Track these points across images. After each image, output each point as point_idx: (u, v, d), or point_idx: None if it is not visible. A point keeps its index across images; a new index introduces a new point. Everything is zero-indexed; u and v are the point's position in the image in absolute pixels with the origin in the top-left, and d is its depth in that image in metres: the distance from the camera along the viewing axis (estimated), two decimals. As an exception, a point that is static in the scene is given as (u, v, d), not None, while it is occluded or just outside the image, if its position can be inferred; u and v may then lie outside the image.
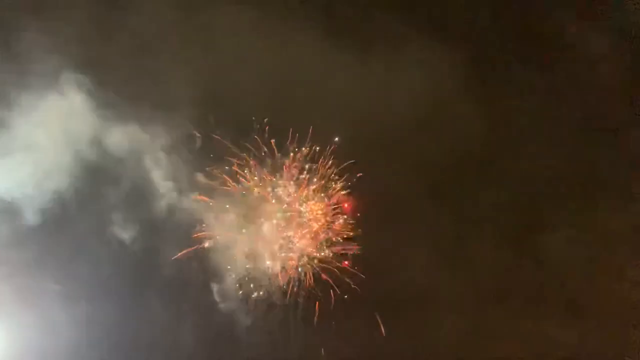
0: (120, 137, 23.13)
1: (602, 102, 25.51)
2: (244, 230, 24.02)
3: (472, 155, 25.48)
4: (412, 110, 24.60)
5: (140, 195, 23.46)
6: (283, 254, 24.10)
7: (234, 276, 23.84)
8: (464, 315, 24.34)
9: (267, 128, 24.15)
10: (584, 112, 26.37)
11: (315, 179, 24.75)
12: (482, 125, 24.86)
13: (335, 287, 23.88)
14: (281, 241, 24.19)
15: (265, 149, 24.31)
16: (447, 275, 24.37)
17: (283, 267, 23.95)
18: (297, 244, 24.24)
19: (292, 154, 24.53)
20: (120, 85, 23.22)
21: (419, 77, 24.59)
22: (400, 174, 24.90)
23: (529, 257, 25.20)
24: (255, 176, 24.34)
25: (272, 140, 24.30)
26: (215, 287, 23.73)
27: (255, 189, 24.37)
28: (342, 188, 24.93)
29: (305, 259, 24.11)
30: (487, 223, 25.08)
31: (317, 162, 24.73)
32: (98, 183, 23.28)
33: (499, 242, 25.04)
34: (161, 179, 23.57)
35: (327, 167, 24.81)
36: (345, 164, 24.67)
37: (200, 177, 23.93)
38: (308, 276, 23.98)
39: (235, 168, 24.17)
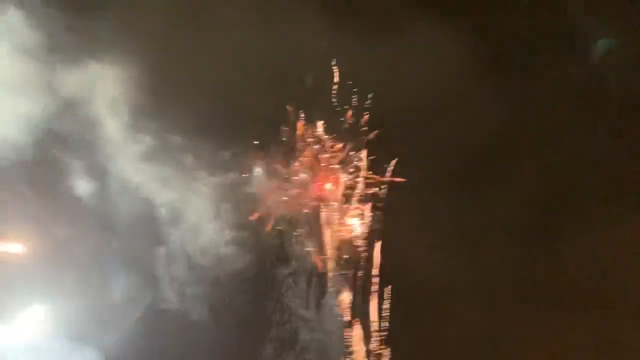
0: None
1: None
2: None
3: (493, 146, 24.64)
4: (423, 100, 24.01)
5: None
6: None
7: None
8: (484, 314, 23.61)
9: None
10: (615, 102, 25.28)
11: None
12: (502, 114, 24.20)
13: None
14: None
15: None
16: (468, 271, 23.68)
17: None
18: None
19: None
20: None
21: (429, 62, 23.91)
22: (414, 167, 24.38)
23: (557, 255, 24.23)
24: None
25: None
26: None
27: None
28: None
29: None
30: (511, 218, 24.15)
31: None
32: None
33: (524, 239, 24.14)
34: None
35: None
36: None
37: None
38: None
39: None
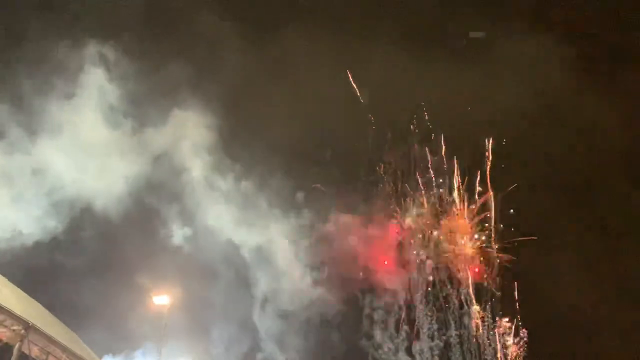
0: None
1: None
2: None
3: (611, 155, 21.55)
4: (529, 112, 21.87)
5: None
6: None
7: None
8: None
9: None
10: None
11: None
12: (613, 121, 21.09)
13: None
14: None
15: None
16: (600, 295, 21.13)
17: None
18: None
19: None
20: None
21: (527, 75, 21.87)
22: (535, 181, 22.29)
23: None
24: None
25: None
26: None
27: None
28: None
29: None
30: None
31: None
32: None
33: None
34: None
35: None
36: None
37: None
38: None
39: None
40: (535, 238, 22.87)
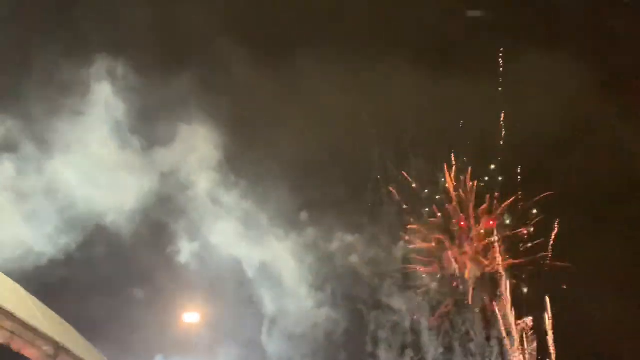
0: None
1: None
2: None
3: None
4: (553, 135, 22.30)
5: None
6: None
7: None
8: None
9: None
10: None
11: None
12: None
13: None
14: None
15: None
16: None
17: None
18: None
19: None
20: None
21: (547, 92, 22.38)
22: (561, 207, 22.70)
23: None
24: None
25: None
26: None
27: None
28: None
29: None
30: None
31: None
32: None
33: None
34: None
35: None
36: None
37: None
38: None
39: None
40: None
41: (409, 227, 25.84)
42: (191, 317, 20.37)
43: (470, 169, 25.25)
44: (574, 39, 23.52)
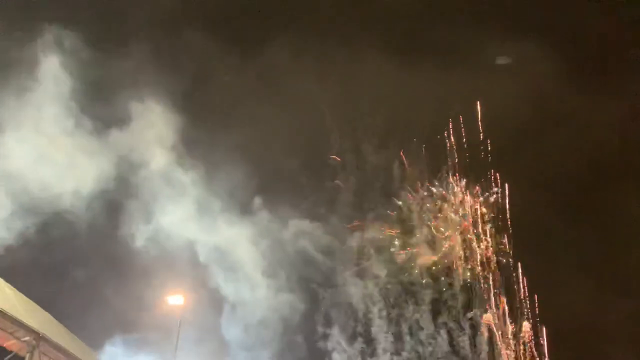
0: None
1: None
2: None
3: (605, 162, 23.16)
4: (521, 120, 23.12)
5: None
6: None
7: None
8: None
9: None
10: None
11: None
12: (606, 127, 22.80)
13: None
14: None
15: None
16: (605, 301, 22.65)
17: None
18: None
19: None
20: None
21: (517, 81, 22.97)
22: (529, 191, 23.45)
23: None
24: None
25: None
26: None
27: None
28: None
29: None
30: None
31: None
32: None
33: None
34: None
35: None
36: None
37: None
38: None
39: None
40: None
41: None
42: (175, 300, 19.93)
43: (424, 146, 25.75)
44: (542, 28, 24.39)
